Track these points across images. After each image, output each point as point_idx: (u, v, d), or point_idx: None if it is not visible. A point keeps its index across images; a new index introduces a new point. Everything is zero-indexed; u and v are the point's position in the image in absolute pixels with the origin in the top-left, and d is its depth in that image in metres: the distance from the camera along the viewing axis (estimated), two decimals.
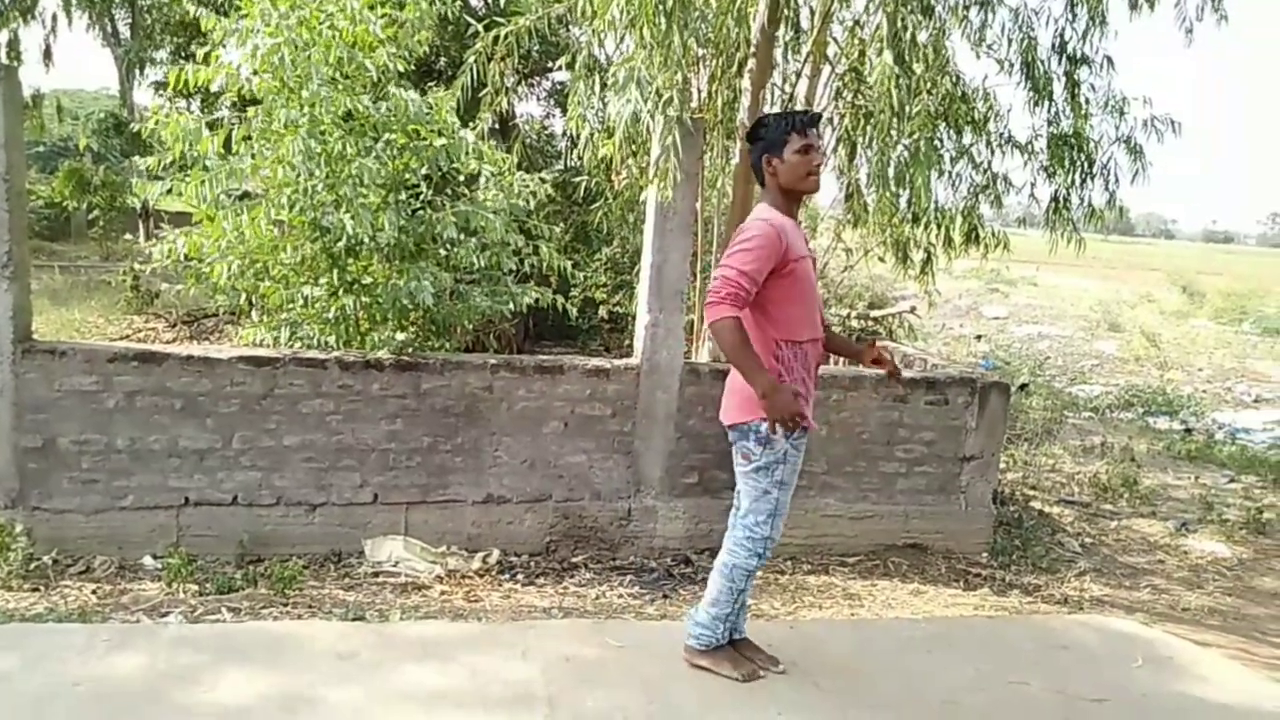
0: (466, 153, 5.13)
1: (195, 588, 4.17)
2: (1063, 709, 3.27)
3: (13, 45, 16.90)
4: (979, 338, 16.00)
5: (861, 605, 4.68)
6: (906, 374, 5.58)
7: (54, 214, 18.76)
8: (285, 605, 3.99)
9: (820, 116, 3.15)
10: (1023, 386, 10.82)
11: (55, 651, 3.11)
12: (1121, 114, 5.70)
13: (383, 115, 4.86)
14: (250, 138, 4.95)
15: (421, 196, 5.28)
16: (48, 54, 18.02)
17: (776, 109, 6.42)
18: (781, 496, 3.08)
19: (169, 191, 4.99)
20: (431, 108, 5.14)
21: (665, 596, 4.63)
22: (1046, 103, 5.69)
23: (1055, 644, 3.82)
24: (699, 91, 5.98)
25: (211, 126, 4.95)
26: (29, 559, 4.19)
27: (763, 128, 3.09)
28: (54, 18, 17.46)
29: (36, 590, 4.08)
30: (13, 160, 4.26)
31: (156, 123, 4.85)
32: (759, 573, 3.41)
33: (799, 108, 3.21)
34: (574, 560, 4.98)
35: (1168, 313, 22.32)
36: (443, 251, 5.31)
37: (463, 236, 5.31)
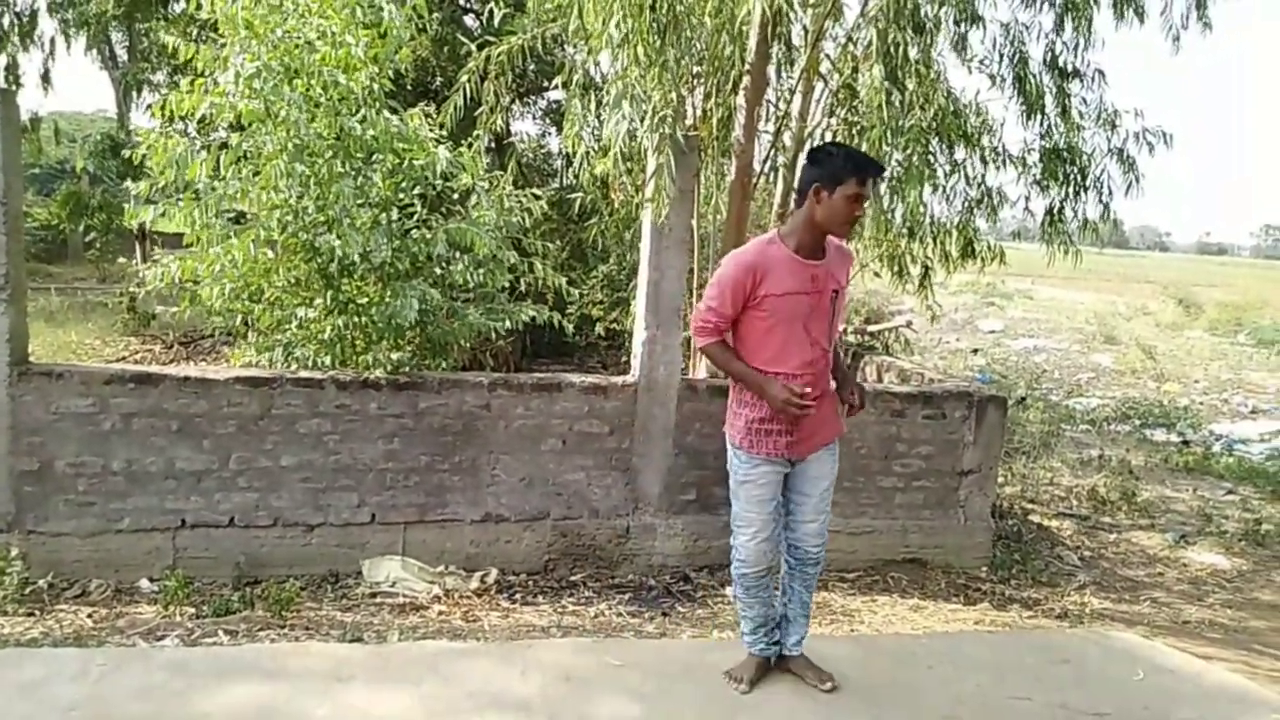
0: (440, 169, 5.11)
1: (192, 610, 4.15)
2: None
3: (11, 70, 16.95)
4: (975, 352, 16.02)
5: (861, 621, 4.66)
6: (903, 389, 5.59)
7: (51, 236, 18.80)
8: (282, 627, 3.97)
9: (884, 170, 3.01)
10: (1020, 400, 10.83)
11: (50, 677, 3.09)
12: (1113, 127, 5.75)
13: (368, 137, 4.87)
14: (240, 161, 4.96)
15: (416, 215, 5.29)
16: (46, 78, 18.07)
17: (771, 126, 6.46)
18: (745, 511, 3.16)
19: (161, 215, 5.00)
20: (404, 124, 5.12)
21: (665, 614, 4.61)
22: (1039, 116, 5.73)
23: (1056, 658, 3.80)
24: (694, 109, 6.02)
25: (208, 149, 4.97)
26: (24, 583, 4.17)
27: (826, 156, 3.00)
28: (52, 41, 17.53)
29: (32, 615, 4.06)
30: (11, 184, 4.27)
31: (147, 148, 4.87)
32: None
33: (861, 152, 3.05)
34: (572, 579, 4.96)
35: (1163, 325, 22.36)
36: (438, 270, 5.31)
37: (457, 255, 5.31)
